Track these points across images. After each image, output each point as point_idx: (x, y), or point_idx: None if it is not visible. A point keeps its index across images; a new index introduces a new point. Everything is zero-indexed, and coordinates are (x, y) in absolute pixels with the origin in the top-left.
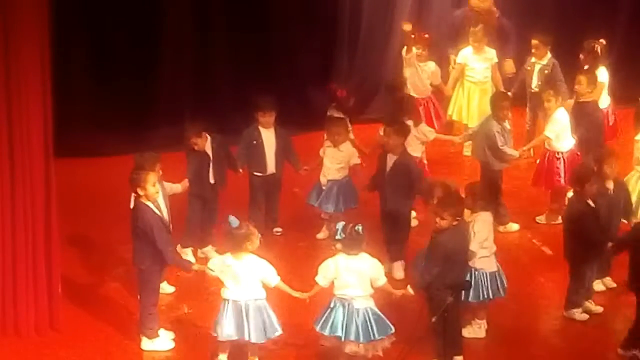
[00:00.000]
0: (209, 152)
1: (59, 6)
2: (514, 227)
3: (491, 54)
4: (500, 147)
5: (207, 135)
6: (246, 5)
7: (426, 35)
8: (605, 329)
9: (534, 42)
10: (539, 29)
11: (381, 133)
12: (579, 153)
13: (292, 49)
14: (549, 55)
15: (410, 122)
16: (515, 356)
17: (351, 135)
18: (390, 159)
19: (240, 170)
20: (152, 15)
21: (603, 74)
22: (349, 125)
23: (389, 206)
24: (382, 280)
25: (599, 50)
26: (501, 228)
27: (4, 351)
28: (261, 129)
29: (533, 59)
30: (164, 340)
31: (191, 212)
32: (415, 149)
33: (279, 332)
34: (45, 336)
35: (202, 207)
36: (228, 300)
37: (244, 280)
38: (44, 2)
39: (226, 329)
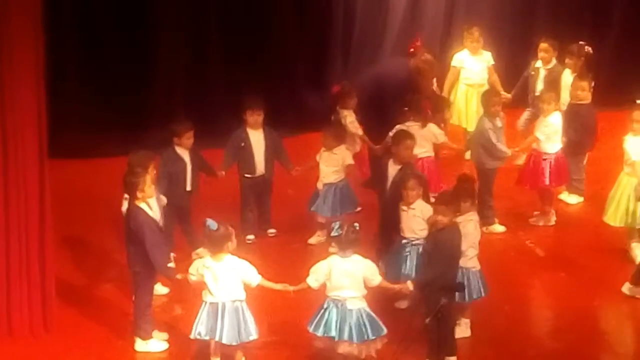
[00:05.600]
0: (186, 157)
1: (52, 7)
2: (498, 228)
3: (487, 56)
4: (495, 144)
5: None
6: (240, 7)
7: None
8: (598, 330)
9: (543, 45)
10: (534, 32)
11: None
12: (564, 156)
13: (285, 49)
14: (554, 60)
15: (417, 124)
16: (508, 358)
17: (360, 132)
18: (393, 168)
19: (223, 173)
20: (145, 17)
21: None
22: (355, 121)
23: (390, 216)
24: (376, 280)
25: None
26: (485, 229)
27: None
28: (249, 130)
29: (539, 64)
30: (157, 342)
31: (167, 222)
32: (429, 149)
33: (253, 336)
34: (39, 338)
35: (178, 215)
36: (206, 302)
37: (224, 281)
38: (37, 4)
39: (197, 328)
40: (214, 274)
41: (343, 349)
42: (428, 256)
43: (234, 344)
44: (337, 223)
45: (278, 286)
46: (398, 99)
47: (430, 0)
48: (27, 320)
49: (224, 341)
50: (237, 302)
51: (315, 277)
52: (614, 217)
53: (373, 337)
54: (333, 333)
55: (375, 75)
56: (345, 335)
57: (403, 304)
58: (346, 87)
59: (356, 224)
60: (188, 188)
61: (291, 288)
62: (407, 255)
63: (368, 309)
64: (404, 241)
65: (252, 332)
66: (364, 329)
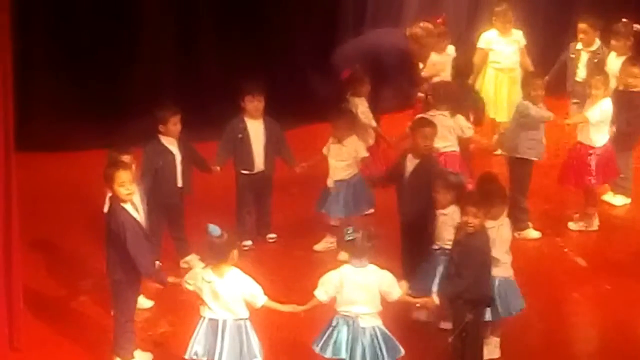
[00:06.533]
0: (174, 149)
1: None
2: (532, 234)
3: (518, 35)
4: (537, 110)
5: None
6: None
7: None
8: None
9: (582, 26)
10: (573, 9)
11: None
12: (612, 149)
13: (289, 29)
14: (597, 41)
15: (446, 113)
16: None
17: (373, 123)
18: (411, 162)
19: (218, 169)
20: None
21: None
22: (368, 111)
23: (408, 217)
24: (396, 293)
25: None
26: (517, 234)
27: None
28: (247, 120)
29: (579, 46)
30: None
31: (154, 224)
32: (453, 143)
33: (258, 358)
34: (5, 357)
35: (167, 217)
36: (205, 317)
37: (226, 299)
38: None
39: (194, 347)
40: (214, 291)
41: None
42: (456, 265)
43: None
44: (351, 227)
45: (286, 308)
46: (400, 76)
47: None
48: None
49: None
50: (239, 321)
51: (324, 289)
52: None
53: None
54: (343, 355)
55: (370, 49)
56: (358, 357)
57: (422, 315)
58: (358, 72)
59: (372, 228)
60: (179, 184)
61: (300, 308)
62: (437, 266)
63: (383, 327)
64: (434, 247)
65: (256, 354)
66: (378, 350)
